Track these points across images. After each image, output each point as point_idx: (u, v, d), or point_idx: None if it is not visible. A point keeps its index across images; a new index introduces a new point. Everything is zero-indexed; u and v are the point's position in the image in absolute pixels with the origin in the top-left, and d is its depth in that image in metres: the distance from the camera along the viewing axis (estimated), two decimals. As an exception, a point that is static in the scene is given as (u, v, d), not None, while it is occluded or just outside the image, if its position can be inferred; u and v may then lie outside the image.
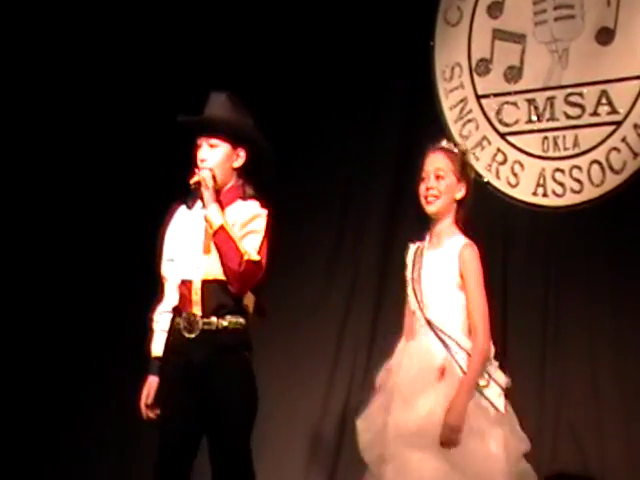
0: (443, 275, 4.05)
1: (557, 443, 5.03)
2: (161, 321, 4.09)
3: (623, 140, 5.08)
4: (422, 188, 4.10)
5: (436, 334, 4.00)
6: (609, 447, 4.94)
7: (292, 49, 5.71)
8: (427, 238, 4.15)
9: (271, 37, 5.74)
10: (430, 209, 4.08)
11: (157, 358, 4.05)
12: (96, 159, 5.99)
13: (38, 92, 5.96)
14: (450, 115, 5.49)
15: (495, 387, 3.97)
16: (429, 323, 4.02)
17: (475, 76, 5.45)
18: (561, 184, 5.21)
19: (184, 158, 4.10)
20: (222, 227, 3.91)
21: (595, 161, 5.14)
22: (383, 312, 5.35)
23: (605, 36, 5.14)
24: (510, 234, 5.30)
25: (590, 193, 5.14)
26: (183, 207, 4.13)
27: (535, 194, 5.27)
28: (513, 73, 5.37)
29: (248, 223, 3.97)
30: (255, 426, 3.99)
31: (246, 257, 3.89)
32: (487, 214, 5.32)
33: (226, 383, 3.91)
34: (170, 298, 4.07)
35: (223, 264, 3.90)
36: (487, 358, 3.99)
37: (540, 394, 5.10)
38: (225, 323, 3.93)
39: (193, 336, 3.93)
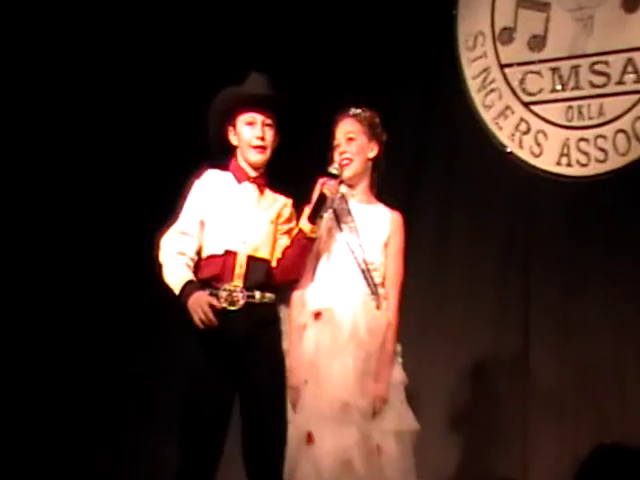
0: (374, 232, 4.16)
1: (580, 418, 5.00)
2: (183, 258, 3.94)
3: (649, 109, 5.04)
4: (336, 155, 4.19)
5: (364, 277, 4.09)
6: (633, 422, 4.90)
7: (312, 20, 5.65)
8: (343, 192, 4.18)
9: (290, 13, 5.68)
10: (347, 173, 4.16)
11: (193, 281, 3.89)
12: (98, 156, 5.93)
13: (44, 84, 5.89)
14: (473, 84, 5.44)
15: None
16: (364, 272, 4.10)
17: (498, 45, 5.40)
18: (585, 153, 5.16)
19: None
20: (312, 241, 4.03)
21: (620, 130, 5.08)
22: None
23: (631, 3, 5.08)
24: (533, 204, 5.26)
25: (615, 162, 5.09)
26: (218, 175, 4.09)
27: (559, 164, 5.23)
28: (537, 42, 5.31)
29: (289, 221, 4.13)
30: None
31: None
32: (510, 184, 5.31)
33: (267, 354, 3.91)
34: (189, 249, 3.96)
35: (295, 266, 4.02)
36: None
37: (562, 368, 5.06)
38: (266, 297, 3.95)
39: (235, 308, 3.90)
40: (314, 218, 4.00)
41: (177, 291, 3.89)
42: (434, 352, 5.24)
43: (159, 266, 3.97)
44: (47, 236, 5.89)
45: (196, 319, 3.81)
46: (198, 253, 4.00)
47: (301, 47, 5.60)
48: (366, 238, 4.15)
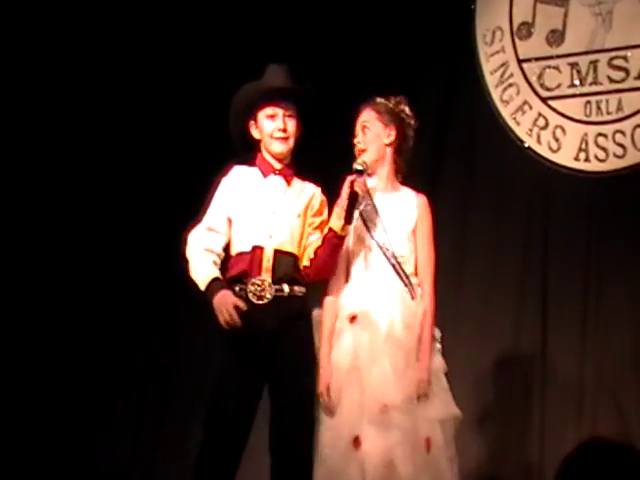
0: (401, 220, 4.12)
1: (598, 412, 5.00)
2: (210, 255, 3.95)
3: (668, 104, 5.04)
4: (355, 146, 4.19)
5: (400, 278, 4.05)
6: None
7: (333, 15, 5.65)
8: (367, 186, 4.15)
9: (314, 8, 5.68)
10: (364, 157, 4.12)
11: (218, 278, 3.91)
12: (126, 155, 5.93)
13: (66, 85, 5.87)
14: (491, 79, 5.42)
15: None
16: (394, 267, 4.06)
17: (516, 40, 5.39)
18: (604, 149, 5.16)
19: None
20: (343, 239, 4.00)
21: (639, 125, 5.07)
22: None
23: (651, -2, 5.09)
24: (551, 199, 5.25)
25: (633, 158, 5.08)
26: (244, 171, 4.11)
27: (577, 159, 5.22)
28: (555, 37, 5.30)
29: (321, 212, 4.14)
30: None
31: None
32: (528, 179, 5.31)
33: (297, 347, 3.92)
34: (216, 246, 3.98)
35: (326, 264, 4.00)
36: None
37: (581, 361, 5.06)
38: (295, 290, 3.97)
39: (263, 303, 3.91)
40: (349, 219, 3.98)
41: (203, 287, 3.89)
42: (451, 347, 5.21)
43: (185, 261, 3.98)
44: (76, 233, 5.89)
45: (221, 319, 3.82)
46: (226, 250, 4.02)
47: (322, 42, 5.58)
48: (393, 230, 4.11)
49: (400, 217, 4.14)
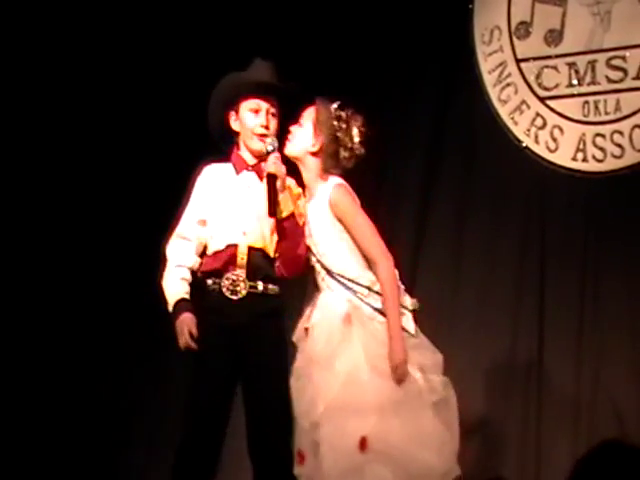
0: (324, 224, 4.04)
1: (595, 414, 4.98)
2: (180, 271, 3.99)
3: (666, 104, 5.02)
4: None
5: (338, 282, 3.99)
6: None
7: (328, 13, 5.62)
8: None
9: (307, 7, 5.65)
10: (285, 151, 4.06)
11: (184, 299, 3.96)
12: (102, 150, 5.87)
13: (44, 83, 5.80)
14: (489, 79, 5.41)
15: (406, 312, 4.00)
16: (329, 273, 4.01)
17: (515, 39, 5.37)
18: (602, 149, 5.14)
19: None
20: (293, 214, 3.96)
21: (637, 125, 5.06)
22: (417, 285, 5.27)
23: (649, -2, 5.07)
24: (549, 199, 5.24)
25: (631, 158, 5.07)
26: (217, 169, 4.09)
27: (575, 159, 5.20)
28: (554, 36, 5.29)
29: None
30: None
31: None
32: (525, 179, 5.29)
33: (269, 346, 3.92)
34: (188, 257, 4.00)
35: (288, 249, 3.95)
36: (396, 279, 3.97)
37: (578, 363, 5.05)
38: (269, 288, 3.96)
39: (237, 298, 3.92)
40: (274, 209, 3.91)
41: (170, 308, 3.98)
42: (447, 350, 5.20)
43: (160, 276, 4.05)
44: (55, 243, 5.82)
45: (180, 341, 3.91)
46: (201, 254, 4.03)
47: (318, 41, 5.55)
48: (318, 234, 4.05)
49: (320, 217, 4.05)
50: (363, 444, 3.82)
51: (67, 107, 5.80)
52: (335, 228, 4.02)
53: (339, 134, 4.06)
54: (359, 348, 3.91)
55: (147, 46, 5.77)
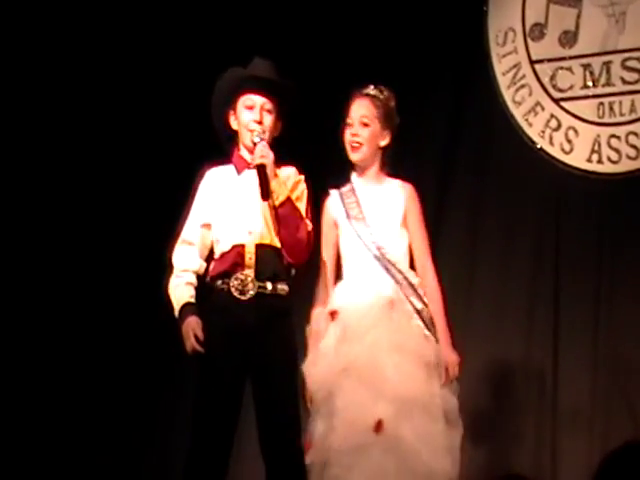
0: (393, 219, 4.12)
1: (611, 414, 4.96)
2: (185, 276, 4.00)
3: (681, 105, 5.01)
4: (347, 134, 4.17)
5: (387, 270, 4.05)
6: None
7: (342, 15, 5.63)
8: (351, 184, 4.18)
9: (323, 7, 5.66)
10: (354, 157, 4.16)
11: (190, 303, 3.97)
12: (103, 148, 5.84)
13: (45, 83, 5.75)
14: (503, 80, 5.41)
15: None
16: (379, 259, 4.05)
17: (529, 41, 5.37)
18: (617, 150, 5.13)
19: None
20: (289, 198, 3.93)
21: (652, 127, 5.07)
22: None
23: (664, -1, 5.07)
24: (563, 201, 5.23)
25: (646, 159, 5.08)
26: (219, 172, 4.09)
27: (589, 161, 5.20)
28: (568, 38, 5.28)
29: (292, 190, 4.01)
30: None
31: (309, 227, 3.96)
32: (540, 181, 5.29)
33: (278, 345, 3.89)
34: (193, 261, 4.01)
35: (289, 235, 3.92)
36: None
37: (593, 362, 5.03)
38: (278, 288, 3.93)
39: (245, 298, 3.90)
40: (266, 194, 3.90)
41: (176, 314, 3.98)
42: (461, 355, 5.22)
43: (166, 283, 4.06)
44: (61, 246, 5.75)
45: (187, 345, 3.91)
46: (207, 258, 4.04)
47: (333, 43, 5.57)
48: (378, 222, 4.12)
49: (387, 210, 4.14)
50: (379, 426, 3.85)
51: (68, 111, 5.76)
52: (402, 226, 4.12)
53: (396, 131, 4.21)
54: (398, 332, 3.97)
55: (149, 51, 5.76)
